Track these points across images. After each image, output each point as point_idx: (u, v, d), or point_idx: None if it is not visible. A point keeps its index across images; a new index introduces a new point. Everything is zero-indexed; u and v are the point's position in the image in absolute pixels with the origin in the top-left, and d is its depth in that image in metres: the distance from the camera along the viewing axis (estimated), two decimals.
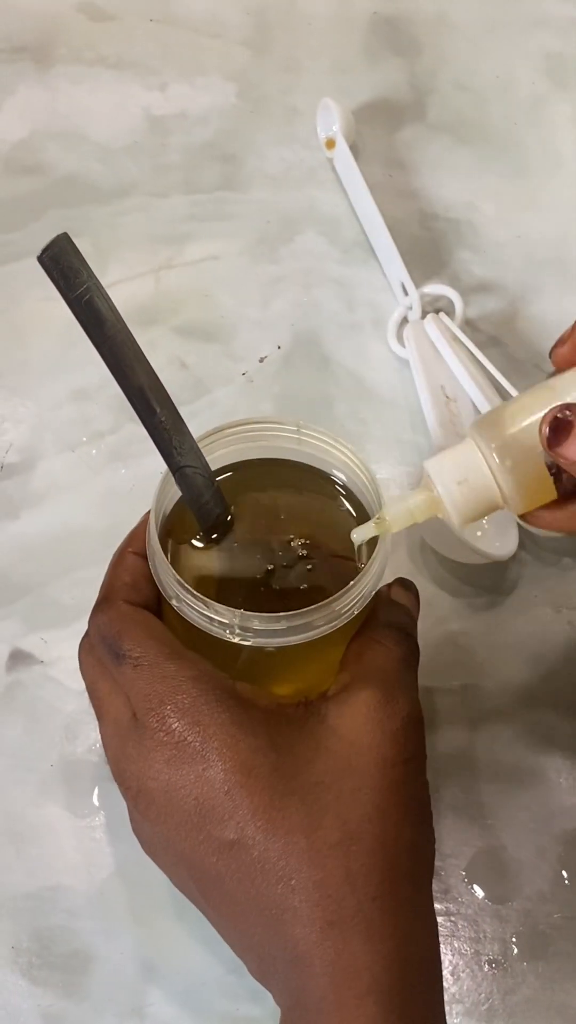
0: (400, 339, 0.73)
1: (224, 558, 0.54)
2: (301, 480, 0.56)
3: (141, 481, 0.69)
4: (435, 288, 0.74)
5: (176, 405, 0.71)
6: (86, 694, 0.57)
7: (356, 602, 0.50)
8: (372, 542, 0.51)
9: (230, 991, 0.55)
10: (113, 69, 0.86)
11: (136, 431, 0.70)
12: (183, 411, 0.71)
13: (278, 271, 0.77)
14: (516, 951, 0.56)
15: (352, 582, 0.50)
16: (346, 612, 0.50)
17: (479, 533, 0.65)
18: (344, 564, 0.53)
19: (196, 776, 0.47)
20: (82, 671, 0.55)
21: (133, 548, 0.55)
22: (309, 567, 0.53)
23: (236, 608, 0.49)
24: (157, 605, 0.54)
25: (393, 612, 0.54)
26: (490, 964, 0.56)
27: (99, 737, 0.60)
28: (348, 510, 0.55)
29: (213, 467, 0.53)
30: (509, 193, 0.81)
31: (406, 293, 0.74)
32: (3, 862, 0.58)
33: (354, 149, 0.80)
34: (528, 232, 0.79)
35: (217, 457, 0.54)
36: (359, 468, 0.54)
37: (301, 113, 0.84)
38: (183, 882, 0.50)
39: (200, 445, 0.52)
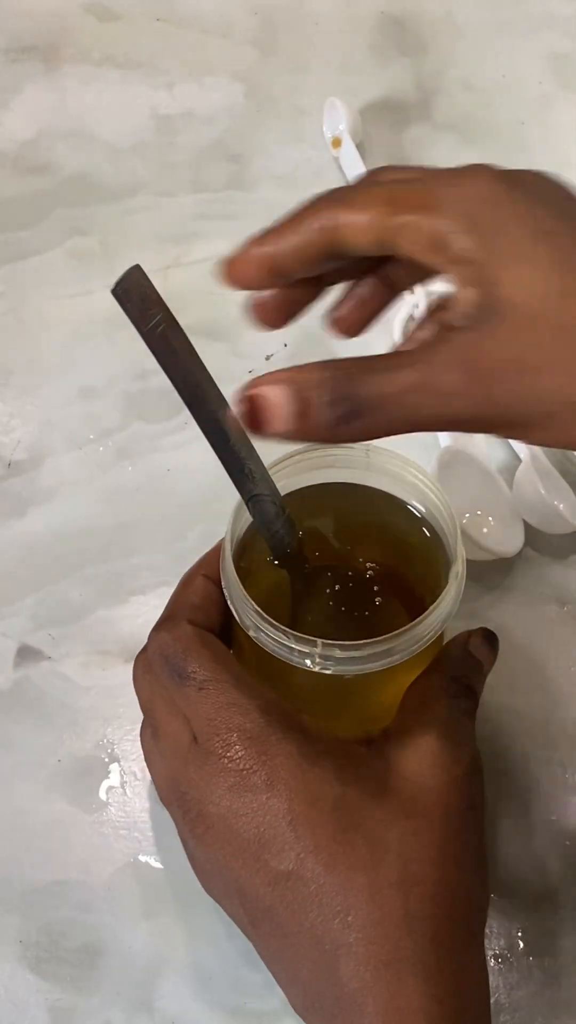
0: (406, 337, 0.73)
1: (295, 585, 0.54)
2: (370, 504, 0.56)
3: (148, 479, 0.69)
4: (440, 286, 0.74)
5: (181, 403, 0.71)
6: (93, 690, 0.58)
7: (436, 626, 0.50)
8: (447, 565, 0.52)
9: (239, 985, 0.55)
10: (121, 69, 0.86)
11: (143, 429, 0.70)
12: None
13: None
14: (522, 946, 0.57)
15: (432, 606, 0.50)
16: (427, 636, 0.50)
17: (485, 530, 0.65)
18: (415, 590, 0.53)
19: (259, 805, 0.47)
20: (137, 687, 0.54)
21: (204, 571, 0.54)
22: (379, 592, 0.54)
23: (312, 636, 0.49)
24: (222, 630, 0.53)
25: (464, 665, 0.54)
26: (496, 959, 0.56)
27: (107, 733, 0.60)
28: (421, 532, 0.55)
29: (283, 492, 0.53)
30: None
31: (411, 291, 0.74)
32: (12, 857, 0.58)
33: (361, 148, 0.80)
34: None
35: (287, 485, 0.55)
36: (429, 489, 0.54)
37: (308, 113, 0.84)
38: (234, 909, 0.49)
39: (270, 473, 0.52)
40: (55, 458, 0.70)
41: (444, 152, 0.83)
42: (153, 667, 0.52)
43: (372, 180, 0.47)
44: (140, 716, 0.55)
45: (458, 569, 0.51)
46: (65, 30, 0.88)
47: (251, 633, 0.50)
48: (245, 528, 0.54)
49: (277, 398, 0.41)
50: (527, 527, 0.65)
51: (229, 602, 0.51)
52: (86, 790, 0.60)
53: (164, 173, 0.81)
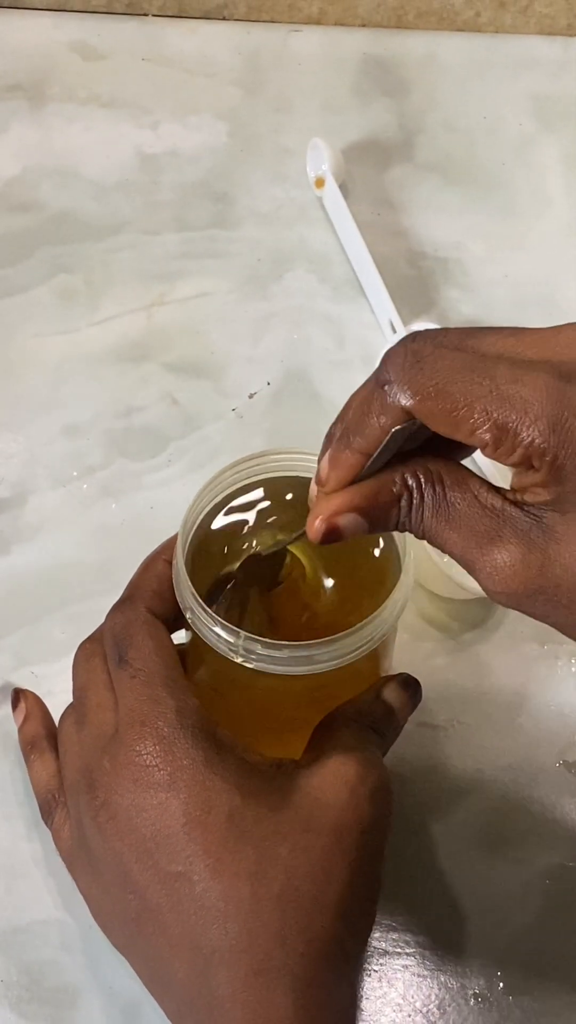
0: None
1: (251, 582, 0.54)
2: None
3: (131, 516, 0.69)
4: (423, 326, 0.74)
5: (166, 440, 0.72)
6: None
7: (362, 645, 0.50)
8: (387, 590, 0.52)
9: None
10: (106, 108, 0.87)
11: (127, 466, 0.71)
12: (173, 447, 0.72)
13: (268, 308, 0.78)
14: (502, 985, 0.57)
15: (359, 624, 0.50)
16: (350, 653, 0.50)
17: None
18: (369, 607, 0.54)
19: (158, 803, 0.48)
20: (75, 673, 0.56)
21: (166, 556, 0.55)
22: (335, 604, 0.54)
23: (253, 632, 0.50)
24: (175, 619, 0.54)
25: (372, 708, 0.55)
26: (476, 998, 0.56)
27: None
28: (384, 551, 0.55)
29: (256, 486, 0.55)
30: (497, 233, 0.82)
31: (395, 331, 0.74)
32: None
33: (343, 188, 0.80)
34: (515, 271, 0.80)
35: (262, 480, 0.56)
36: None
37: (292, 152, 0.85)
38: (121, 904, 0.50)
39: (245, 466, 0.54)
40: (39, 495, 0.70)
41: (426, 192, 0.83)
42: (95, 653, 0.54)
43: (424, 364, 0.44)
44: None
45: (396, 597, 0.52)
46: (50, 69, 0.88)
47: (187, 615, 0.51)
48: (208, 513, 0.55)
49: (351, 524, 0.45)
50: None
51: (174, 582, 0.53)
52: None
53: (148, 211, 0.82)
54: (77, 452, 0.71)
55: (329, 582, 0.55)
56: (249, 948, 0.46)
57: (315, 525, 0.45)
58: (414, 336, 0.44)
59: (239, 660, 0.50)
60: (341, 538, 0.45)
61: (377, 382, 0.44)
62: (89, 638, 0.56)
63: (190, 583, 0.51)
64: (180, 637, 0.55)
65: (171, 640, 0.53)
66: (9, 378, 0.74)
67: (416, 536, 0.45)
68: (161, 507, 0.69)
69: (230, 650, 0.50)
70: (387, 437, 0.43)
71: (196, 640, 0.52)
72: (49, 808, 0.56)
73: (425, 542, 0.62)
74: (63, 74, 0.88)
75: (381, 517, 0.45)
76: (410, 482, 0.44)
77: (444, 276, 0.79)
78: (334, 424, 0.46)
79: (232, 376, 0.75)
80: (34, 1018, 0.55)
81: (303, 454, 0.56)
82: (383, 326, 0.76)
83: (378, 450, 0.44)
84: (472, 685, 0.64)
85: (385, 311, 0.75)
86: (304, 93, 0.88)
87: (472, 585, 0.63)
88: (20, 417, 0.73)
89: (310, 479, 0.55)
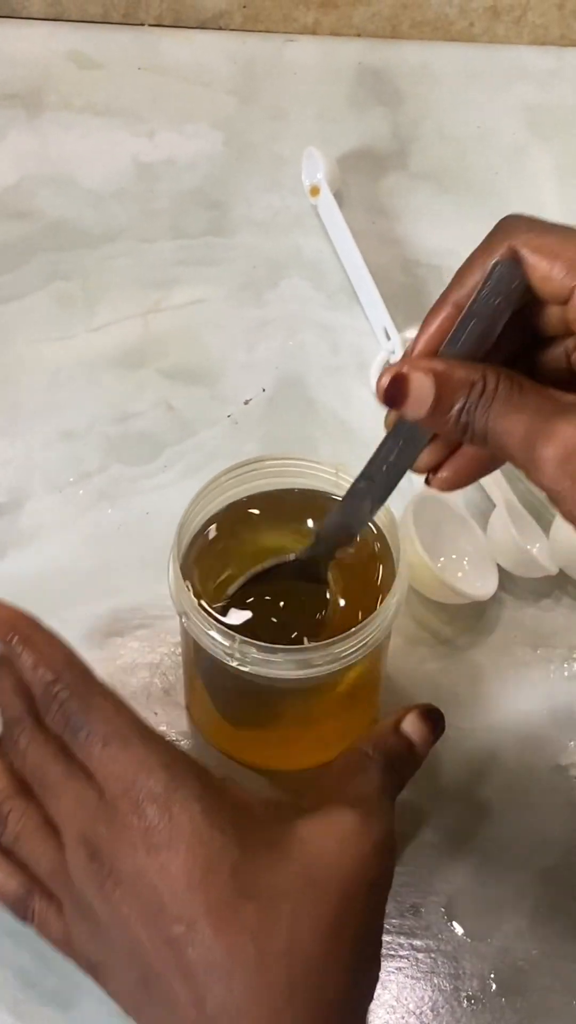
0: None
1: (245, 589, 0.55)
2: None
3: (128, 521, 0.69)
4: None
5: (162, 446, 0.72)
6: None
7: (356, 649, 0.51)
8: (383, 593, 0.52)
9: None
10: (102, 116, 0.87)
11: (123, 471, 0.71)
12: (169, 453, 0.72)
13: (264, 315, 0.78)
14: (495, 987, 0.57)
15: (354, 628, 0.50)
16: (345, 656, 0.50)
17: (460, 574, 0.66)
18: (365, 609, 0.54)
19: (160, 865, 0.47)
20: (21, 760, 0.53)
21: (25, 626, 0.54)
22: (332, 608, 0.54)
23: (248, 635, 0.50)
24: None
25: (390, 742, 0.54)
26: (469, 1000, 0.57)
27: None
28: (379, 555, 0.56)
29: (254, 490, 0.56)
30: None
31: (389, 338, 0.75)
32: None
33: (338, 196, 0.81)
34: None
35: (258, 485, 0.56)
36: (385, 520, 0.55)
37: (287, 160, 0.85)
38: (130, 971, 0.49)
39: (241, 471, 0.55)
40: (35, 500, 0.70)
41: (420, 201, 0.84)
42: (49, 720, 0.51)
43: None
44: None
45: (391, 601, 0.52)
46: (47, 77, 0.89)
47: (183, 620, 0.52)
48: (209, 516, 0.56)
49: (420, 387, 0.44)
50: (501, 571, 0.66)
51: (169, 587, 0.53)
52: None
53: (145, 219, 0.82)
54: (73, 457, 0.72)
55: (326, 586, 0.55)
56: (256, 1006, 0.45)
57: (382, 381, 0.45)
58: None
59: (234, 664, 0.50)
60: (403, 397, 0.44)
61: (488, 236, 0.46)
62: (5, 727, 0.54)
63: (187, 588, 0.51)
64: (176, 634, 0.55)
65: (115, 694, 0.51)
66: (6, 384, 0.75)
67: (474, 436, 0.45)
68: (157, 512, 0.70)
69: (225, 654, 0.50)
70: (485, 276, 0.45)
71: (191, 643, 0.52)
72: (24, 904, 0.53)
73: (419, 545, 0.62)
74: (59, 83, 0.89)
75: (449, 393, 0.44)
76: (489, 377, 0.44)
77: (438, 283, 0.79)
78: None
79: (227, 382, 0.75)
80: (30, 1019, 0.55)
81: (299, 460, 0.56)
82: (377, 333, 0.76)
83: (473, 298, 0.45)
84: (466, 689, 0.65)
85: (379, 318, 0.76)
86: (299, 102, 0.89)
87: (466, 589, 0.64)
88: (17, 422, 0.73)
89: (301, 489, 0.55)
